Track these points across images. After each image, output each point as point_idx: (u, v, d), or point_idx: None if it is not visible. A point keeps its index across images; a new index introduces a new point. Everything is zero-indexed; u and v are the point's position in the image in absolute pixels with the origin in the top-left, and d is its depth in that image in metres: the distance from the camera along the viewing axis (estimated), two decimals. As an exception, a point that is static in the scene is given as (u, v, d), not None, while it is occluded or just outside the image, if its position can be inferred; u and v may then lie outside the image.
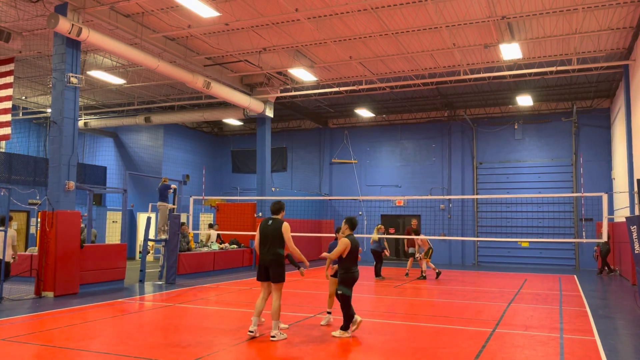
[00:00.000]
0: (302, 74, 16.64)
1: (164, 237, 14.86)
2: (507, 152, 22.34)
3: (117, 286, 12.99)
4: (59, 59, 12.02)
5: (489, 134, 22.66)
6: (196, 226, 21.81)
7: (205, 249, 16.74)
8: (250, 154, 23.68)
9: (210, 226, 19.39)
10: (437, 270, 15.88)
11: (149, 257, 19.81)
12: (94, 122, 23.08)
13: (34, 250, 13.75)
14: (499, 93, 20.62)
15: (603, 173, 20.56)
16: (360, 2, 12.04)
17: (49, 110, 20.25)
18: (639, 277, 10.32)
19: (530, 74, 16.77)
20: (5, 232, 10.71)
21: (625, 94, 15.50)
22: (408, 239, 16.49)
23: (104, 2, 12.25)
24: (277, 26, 13.80)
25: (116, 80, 17.76)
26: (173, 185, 15.39)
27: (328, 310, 8.65)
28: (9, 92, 12.92)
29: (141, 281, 13.96)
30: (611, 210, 18.53)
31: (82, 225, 12.68)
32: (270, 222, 7.44)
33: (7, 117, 12.80)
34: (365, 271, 16.13)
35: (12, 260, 11.07)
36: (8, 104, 12.83)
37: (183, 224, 15.00)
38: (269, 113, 19.55)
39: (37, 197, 12.54)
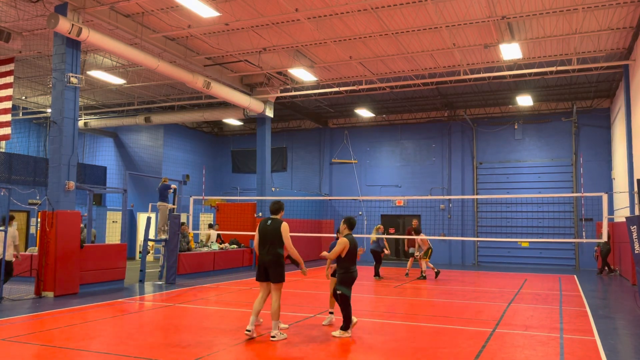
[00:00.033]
0: (302, 74, 16.64)
1: (164, 237, 14.86)
2: (507, 152, 22.35)
3: (117, 286, 13.00)
4: (59, 59, 12.02)
5: (489, 134, 22.67)
6: (196, 226, 21.81)
7: (205, 249, 16.75)
8: (250, 154, 23.68)
9: (210, 226, 19.40)
10: (435, 270, 15.88)
11: (149, 257, 19.81)
12: (94, 122, 23.08)
13: (34, 250, 13.75)
14: (499, 93, 20.62)
15: (603, 173, 20.56)
16: (360, 2, 12.04)
17: (49, 110, 20.25)
18: (639, 277, 10.31)
19: (530, 74, 16.77)
20: (5, 231, 10.71)
21: (625, 94, 15.50)
22: (409, 239, 16.50)
23: (104, 2, 12.25)
24: (277, 26, 13.81)
25: (116, 80, 17.76)
26: (173, 185, 15.39)
27: (330, 310, 8.65)
28: (9, 92, 12.93)
29: (141, 281, 13.96)
30: (611, 210, 18.53)
31: (82, 225, 12.68)
32: (269, 222, 7.43)
33: (7, 117, 12.80)
34: (365, 271, 16.13)
35: (14, 259, 11.07)
36: (8, 104, 12.83)
37: (183, 224, 15.00)
38: (269, 113, 19.55)
39: (37, 197, 12.53)
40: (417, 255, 15.96)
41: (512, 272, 18.44)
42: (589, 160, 20.79)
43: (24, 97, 20.87)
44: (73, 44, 12.15)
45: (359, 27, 13.62)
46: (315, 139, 25.97)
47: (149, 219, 15.11)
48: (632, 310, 10.27)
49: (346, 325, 7.52)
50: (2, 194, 11.95)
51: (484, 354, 6.59)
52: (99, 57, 16.38)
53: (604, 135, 20.88)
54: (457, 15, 12.86)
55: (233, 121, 23.75)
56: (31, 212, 19.46)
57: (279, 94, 18.97)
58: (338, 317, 8.10)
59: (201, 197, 17.68)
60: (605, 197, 11.35)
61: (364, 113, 22.83)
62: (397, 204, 23.47)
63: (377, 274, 15.57)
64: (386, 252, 15.68)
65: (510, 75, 17.21)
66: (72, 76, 11.96)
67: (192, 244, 16.30)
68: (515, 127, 22.18)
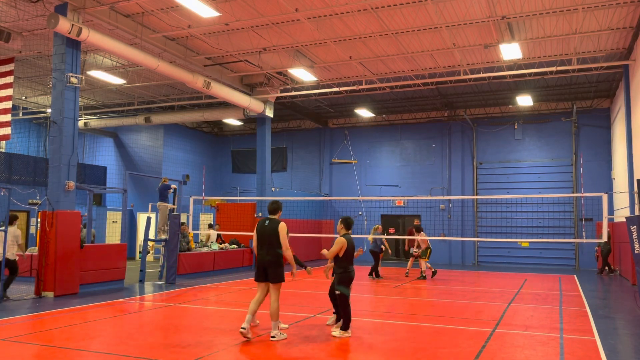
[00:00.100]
0: (302, 74, 16.64)
1: (164, 237, 14.86)
2: (507, 152, 22.35)
3: (117, 286, 13.00)
4: (59, 59, 12.02)
5: (489, 134, 22.67)
6: (196, 226, 21.81)
7: (205, 249, 16.75)
8: (250, 154, 23.68)
9: (210, 226, 19.40)
10: (433, 270, 15.89)
11: (149, 257, 19.81)
12: (94, 122, 23.08)
13: (34, 250, 13.75)
14: (499, 93, 20.62)
15: (603, 173, 20.56)
16: (360, 2, 12.04)
17: (49, 110, 20.25)
18: (639, 277, 10.32)
19: (530, 74, 16.78)
20: (5, 231, 10.72)
21: (625, 94, 15.50)
22: (410, 239, 16.49)
23: (104, 2, 12.25)
24: (277, 26, 13.81)
25: (116, 80, 17.76)
26: (173, 185, 15.39)
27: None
28: (9, 92, 12.93)
29: (141, 281, 13.96)
30: (611, 210, 18.53)
31: (81, 225, 12.67)
32: (267, 222, 7.41)
33: (7, 117, 12.80)
34: (366, 271, 16.12)
35: (17, 258, 11.10)
36: (8, 104, 12.83)
37: (183, 224, 15.00)
38: (269, 113, 19.55)
39: (37, 197, 12.54)
40: (414, 252, 15.97)
41: (512, 272, 18.45)
42: (589, 160, 20.79)
43: (24, 97, 20.87)
44: (73, 44, 12.15)
45: (359, 27, 13.62)
46: (315, 139, 25.97)
47: (149, 219, 15.11)
48: (632, 310, 10.27)
49: (346, 325, 7.52)
50: (2, 194, 11.96)
51: (484, 354, 6.59)
52: (99, 57, 16.38)
53: (604, 135, 20.88)
54: (457, 15, 12.86)
55: (233, 121, 23.75)
56: (31, 212, 19.46)
57: (279, 94, 18.97)
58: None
59: (201, 197, 17.68)
60: (605, 197, 11.35)
61: (364, 113, 22.83)
62: (397, 204, 23.47)
63: (371, 274, 15.59)
64: (383, 248, 15.66)
65: (510, 75, 17.21)
66: (72, 76, 11.96)
67: (192, 244, 16.31)
68: (515, 127, 22.18)
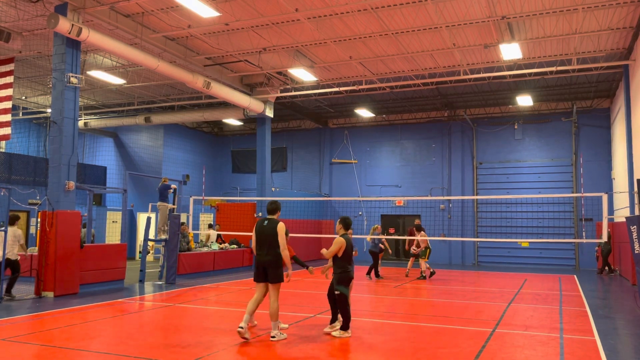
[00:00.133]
0: (302, 74, 16.64)
1: (164, 237, 14.86)
2: (507, 152, 22.35)
3: (117, 286, 13.00)
4: (59, 59, 12.02)
5: (489, 134, 22.67)
6: (196, 226, 21.81)
7: (205, 249, 16.75)
8: (250, 154, 23.68)
9: (210, 226, 19.40)
10: (431, 270, 15.89)
11: (149, 257, 19.81)
12: (94, 122, 23.09)
13: (34, 250, 13.75)
14: (499, 93, 20.62)
15: (603, 173, 20.56)
16: (360, 2, 12.04)
17: (49, 110, 20.24)
18: (639, 277, 10.32)
19: (530, 74, 16.78)
20: (5, 231, 10.72)
21: (625, 94, 15.50)
22: (410, 239, 16.49)
23: (104, 2, 12.25)
24: (277, 26, 13.80)
25: (116, 80, 17.76)
26: (173, 185, 15.39)
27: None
28: (9, 92, 12.93)
29: (141, 281, 13.96)
30: (611, 210, 18.53)
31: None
32: (266, 222, 7.39)
33: (7, 117, 12.80)
34: (365, 271, 16.10)
35: (18, 258, 11.12)
36: (8, 104, 12.83)
37: (183, 224, 15.01)
38: (269, 113, 19.55)
39: (37, 197, 12.53)
40: (413, 250, 15.98)
41: (512, 272, 18.44)
42: (589, 160, 20.79)
43: (24, 97, 20.88)
44: (73, 44, 12.15)
45: (359, 27, 13.62)
46: (315, 139, 25.97)
47: (149, 219, 15.11)
48: (632, 310, 10.27)
49: (346, 325, 7.52)
50: (2, 194, 11.95)
51: (484, 354, 6.59)
52: (99, 57, 16.38)
53: (604, 135, 20.88)
54: (457, 15, 12.86)
55: (233, 121, 23.75)
56: (31, 212, 19.46)
57: (279, 94, 18.97)
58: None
59: (201, 197, 17.69)
60: (605, 197, 11.35)
61: (364, 113, 22.83)
62: (397, 204, 23.47)
63: (369, 273, 15.58)
64: (382, 246, 15.64)
65: (510, 75, 17.21)
66: (72, 76, 11.96)
67: (192, 244, 16.31)
68: (515, 127, 22.19)
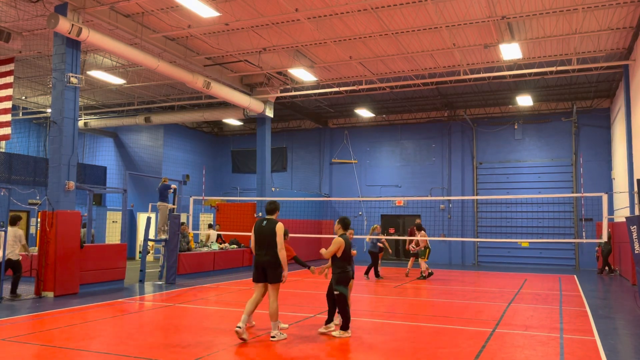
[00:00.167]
0: (302, 74, 16.64)
1: (164, 237, 14.86)
2: (507, 152, 22.35)
3: (117, 286, 12.99)
4: (59, 59, 12.02)
5: (489, 134, 22.67)
6: (196, 226, 21.81)
7: (205, 249, 16.75)
8: (250, 154, 23.68)
9: (210, 226, 19.39)
10: (429, 271, 15.87)
11: (149, 257, 19.81)
12: (94, 122, 23.09)
13: (34, 250, 13.76)
14: (499, 93, 20.62)
15: (603, 173, 20.56)
16: (360, 2, 12.04)
17: (49, 110, 20.24)
18: (639, 277, 10.32)
19: (530, 74, 16.77)
20: (5, 231, 10.72)
21: (625, 94, 15.50)
22: (411, 239, 16.49)
23: (104, 2, 12.25)
24: (277, 26, 13.80)
25: (116, 80, 17.76)
26: (173, 185, 15.39)
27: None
28: (9, 92, 12.93)
29: (141, 281, 13.95)
30: (611, 210, 18.53)
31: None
32: (264, 222, 7.38)
33: (7, 117, 12.80)
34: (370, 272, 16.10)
35: (20, 258, 11.13)
36: (8, 104, 12.83)
37: (183, 224, 15.01)
38: (269, 113, 19.55)
39: (37, 197, 12.53)
40: (411, 248, 15.98)
41: (512, 272, 18.44)
42: (589, 160, 20.79)
43: (24, 97, 20.88)
44: (73, 44, 12.15)
45: (359, 27, 13.62)
46: (315, 139, 25.97)
47: (149, 219, 15.11)
48: (632, 310, 10.27)
49: (345, 325, 7.52)
50: (2, 194, 11.96)
51: (484, 354, 6.59)
52: (99, 57, 16.38)
53: (604, 135, 20.88)
54: (457, 15, 12.86)
55: (233, 121, 23.75)
56: (31, 212, 19.45)
57: (279, 94, 18.97)
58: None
59: (201, 197, 17.69)
60: (605, 197, 11.35)
61: (364, 113, 22.83)
62: (397, 204, 23.47)
63: (366, 273, 15.58)
64: (380, 245, 15.63)
65: (510, 75, 17.21)
66: (72, 76, 11.96)
67: (192, 244, 16.31)
68: (515, 127, 22.19)
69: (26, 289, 11.78)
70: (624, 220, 11.58)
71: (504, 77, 17.52)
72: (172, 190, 15.21)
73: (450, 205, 22.70)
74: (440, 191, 23.11)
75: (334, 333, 7.55)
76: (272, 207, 7.56)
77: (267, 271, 7.22)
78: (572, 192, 20.86)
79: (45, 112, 22.52)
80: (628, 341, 7.84)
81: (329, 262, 8.20)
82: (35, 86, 19.50)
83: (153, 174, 22.97)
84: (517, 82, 18.76)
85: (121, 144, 25.56)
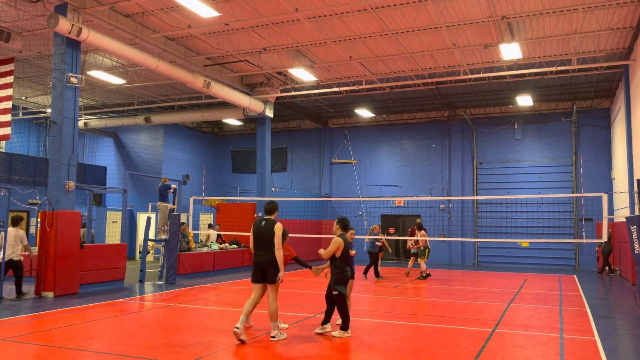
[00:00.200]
0: (302, 74, 16.64)
1: (164, 237, 14.86)
2: (507, 152, 22.35)
3: (117, 286, 12.99)
4: (59, 59, 12.02)
5: (489, 134, 22.67)
6: (196, 226, 21.81)
7: (205, 249, 16.75)
8: (250, 154, 23.69)
9: (210, 226, 19.39)
10: (427, 272, 15.86)
11: (149, 257, 19.82)
12: (94, 122, 23.09)
13: (34, 251, 13.76)
14: (499, 93, 20.62)
15: (603, 173, 20.56)
16: (360, 2, 12.04)
17: (49, 110, 20.24)
18: (639, 277, 10.31)
19: (530, 74, 16.77)
20: (5, 231, 10.72)
21: (625, 94, 15.50)
22: (411, 239, 16.49)
23: (104, 2, 12.25)
24: (277, 26, 13.81)
25: (116, 80, 17.76)
26: (173, 185, 15.39)
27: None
28: (9, 92, 12.93)
29: (141, 281, 13.95)
30: (611, 210, 18.53)
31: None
32: (263, 222, 7.35)
33: (7, 117, 12.80)
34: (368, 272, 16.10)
35: (21, 259, 11.13)
36: (8, 104, 12.83)
37: (183, 224, 15.01)
38: (269, 113, 19.55)
39: (37, 197, 12.53)
40: (409, 246, 15.98)
41: (512, 272, 18.44)
42: (589, 160, 20.79)
43: (24, 97, 20.88)
44: (73, 44, 12.15)
45: (359, 27, 13.62)
46: (315, 139, 25.97)
47: (149, 219, 15.11)
48: (632, 310, 10.27)
49: (345, 325, 7.52)
50: (2, 194, 11.96)
51: (484, 354, 6.59)
52: (99, 57, 16.39)
53: (604, 135, 20.88)
54: (457, 15, 12.86)
55: (233, 121, 23.74)
56: (31, 212, 19.45)
57: (279, 94, 18.97)
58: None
59: (201, 197, 17.69)
60: (605, 197, 11.35)
61: (364, 113, 22.83)
62: (397, 204, 23.47)
63: (365, 273, 15.58)
64: (379, 244, 15.62)
65: (510, 75, 17.21)
66: (72, 76, 11.96)
67: (192, 244, 16.31)
68: (515, 127, 22.19)
69: (26, 289, 11.76)
70: (624, 220, 11.58)
71: (504, 77, 17.52)
72: (172, 190, 15.22)
73: (450, 205, 22.71)
74: (440, 191, 23.11)
75: (333, 333, 7.55)
76: (271, 207, 7.54)
77: (266, 271, 7.20)
78: (572, 192, 20.87)
79: (45, 112, 22.52)
80: (628, 341, 7.84)
81: (328, 263, 8.21)
82: (35, 86, 19.50)
83: (153, 174, 22.97)
84: (517, 82, 18.76)
85: (121, 144, 25.56)
